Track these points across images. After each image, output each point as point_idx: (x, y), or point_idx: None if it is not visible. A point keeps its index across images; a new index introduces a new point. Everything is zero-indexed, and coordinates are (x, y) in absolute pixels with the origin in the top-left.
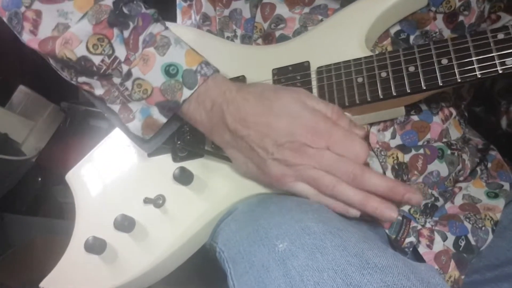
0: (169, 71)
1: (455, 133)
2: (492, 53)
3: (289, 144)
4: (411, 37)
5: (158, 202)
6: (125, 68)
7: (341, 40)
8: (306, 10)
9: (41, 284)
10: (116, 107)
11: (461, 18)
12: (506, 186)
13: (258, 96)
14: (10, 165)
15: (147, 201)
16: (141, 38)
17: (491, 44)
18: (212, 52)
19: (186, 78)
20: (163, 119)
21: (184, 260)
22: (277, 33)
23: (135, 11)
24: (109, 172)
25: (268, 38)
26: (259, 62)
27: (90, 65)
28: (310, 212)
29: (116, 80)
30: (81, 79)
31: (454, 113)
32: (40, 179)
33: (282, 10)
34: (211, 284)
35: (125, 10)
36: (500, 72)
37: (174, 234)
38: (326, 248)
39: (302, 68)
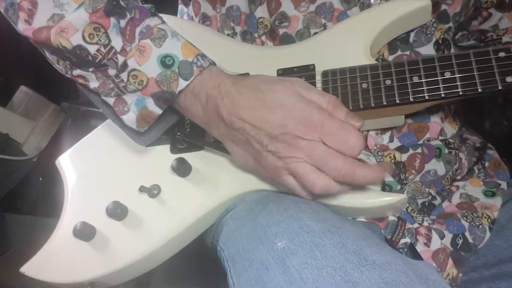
0: (165, 62)
1: (450, 130)
2: (493, 69)
3: (282, 136)
4: (411, 34)
5: (153, 192)
6: (121, 59)
7: (347, 46)
8: (312, 8)
9: (21, 269)
10: (111, 100)
11: (444, 7)
12: (504, 185)
13: (252, 89)
14: (11, 165)
15: (142, 189)
16: (137, 30)
17: (493, 61)
18: (217, 47)
19: (182, 69)
20: (158, 111)
21: (175, 251)
22: (281, 31)
23: (132, 4)
24: (104, 159)
25: (273, 35)
26: (264, 61)
27: (85, 55)
28: (308, 211)
29: (111, 71)
30: (76, 72)
31: (452, 110)
32: (41, 179)
33: (287, 7)
34: (212, 282)
35: (122, 3)
36: (500, 88)
37: (167, 225)
38: (325, 246)
39: (307, 70)
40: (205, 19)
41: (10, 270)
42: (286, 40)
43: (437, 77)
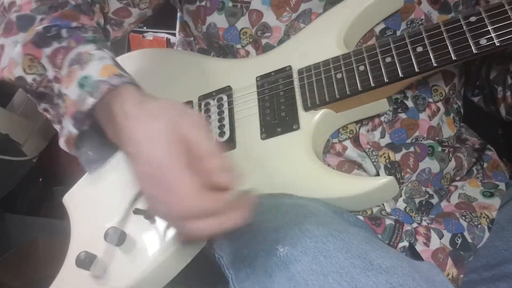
0: (82, 83)
1: (447, 132)
2: (465, 35)
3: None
4: (398, 33)
5: (149, 213)
6: (56, 86)
7: (320, 42)
8: (293, 16)
9: None
10: (57, 127)
11: None
12: (502, 186)
13: (138, 121)
14: (11, 166)
15: (136, 212)
16: (68, 57)
17: (464, 27)
18: (196, 68)
19: (94, 88)
20: (74, 131)
21: (178, 270)
22: (263, 41)
23: (74, 34)
24: (102, 191)
25: (256, 45)
26: (243, 72)
27: (23, 84)
28: (308, 216)
29: (55, 100)
30: (41, 106)
31: (443, 108)
32: (40, 179)
33: (269, 18)
34: (213, 286)
35: (64, 33)
36: (475, 52)
37: (163, 243)
38: (329, 251)
39: (283, 72)
40: (194, 38)
41: (10, 270)
42: (269, 50)
43: (409, 53)
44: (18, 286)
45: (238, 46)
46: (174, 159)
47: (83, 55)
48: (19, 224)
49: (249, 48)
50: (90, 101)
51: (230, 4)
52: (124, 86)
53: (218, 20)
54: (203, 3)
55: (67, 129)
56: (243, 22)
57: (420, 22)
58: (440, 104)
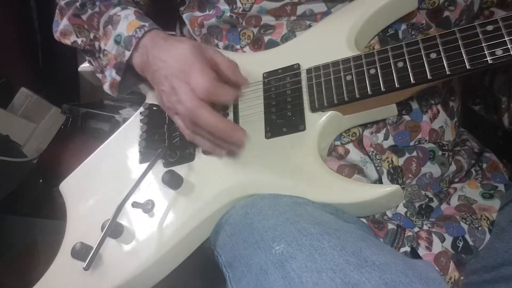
0: (117, 40)
1: (448, 136)
2: (481, 44)
3: (170, 76)
4: (399, 32)
5: (147, 207)
6: (96, 44)
7: (331, 42)
8: (293, 17)
9: None
10: (100, 75)
11: (446, 13)
12: (501, 187)
13: (170, 45)
14: (11, 167)
15: (135, 205)
16: (102, 20)
17: (480, 35)
18: None
19: (125, 43)
20: (118, 78)
21: (173, 265)
22: (266, 38)
23: (103, 2)
24: (100, 180)
25: (258, 43)
26: (250, 67)
27: (76, 45)
28: (305, 215)
29: (97, 54)
30: (87, 59)
31: (443, 112)
32: (41, 180)
33: (268, 19)
34: (212, 284)
35: (97, 2)
36: (491, 62)
37: (161, 239)
38: (324, 249)
39: (291, 70)
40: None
41: (11, 272)
42: (272, 46)
43: (423, 59)
44: (18, 286)
45: (237, 46)
46: (200, 58)
47: (113, 17)
48: (19, 226)
49: (246, 49)
50: (127, 53)
51: (228, 14)
52: (148, 33)
53: (219, 23)
54: (211, 12)
55: (111, 76)
56: (241, 26)
57: (420, 26)
58: (439, 107)
